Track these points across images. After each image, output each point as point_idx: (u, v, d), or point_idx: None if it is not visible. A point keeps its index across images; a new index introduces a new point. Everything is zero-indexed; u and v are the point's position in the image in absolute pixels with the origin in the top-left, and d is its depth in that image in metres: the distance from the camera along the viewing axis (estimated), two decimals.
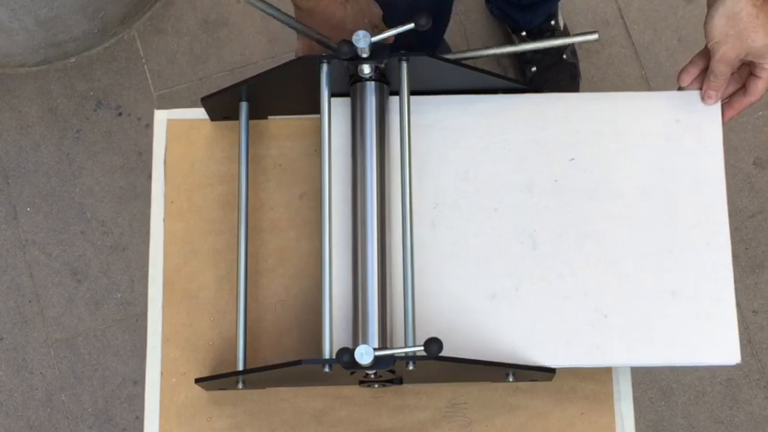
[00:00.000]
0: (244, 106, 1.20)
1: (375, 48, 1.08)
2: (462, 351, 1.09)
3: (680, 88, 1.18)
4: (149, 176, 1.26)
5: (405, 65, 1.12)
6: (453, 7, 1.74)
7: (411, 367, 1.04)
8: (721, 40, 1.10)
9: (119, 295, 2.07)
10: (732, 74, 1.15)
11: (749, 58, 1.13)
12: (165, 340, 1.19)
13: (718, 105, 1.17)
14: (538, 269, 1.13)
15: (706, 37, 1.12)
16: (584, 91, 2.10)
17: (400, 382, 1.15)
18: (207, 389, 1.17)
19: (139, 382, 2.03)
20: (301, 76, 1.14)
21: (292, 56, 1.24)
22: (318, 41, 1.18)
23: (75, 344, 2.06)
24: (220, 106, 1.20)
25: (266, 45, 2.18)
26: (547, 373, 1.12)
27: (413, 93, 1.14)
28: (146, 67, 2.17)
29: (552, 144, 1.16)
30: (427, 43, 1.77)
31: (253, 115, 1.21)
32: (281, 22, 1.17)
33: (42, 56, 2.15)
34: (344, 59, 1.08)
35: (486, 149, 1.17)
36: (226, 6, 2.20)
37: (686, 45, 2.15)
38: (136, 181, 2.12)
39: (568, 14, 2.16)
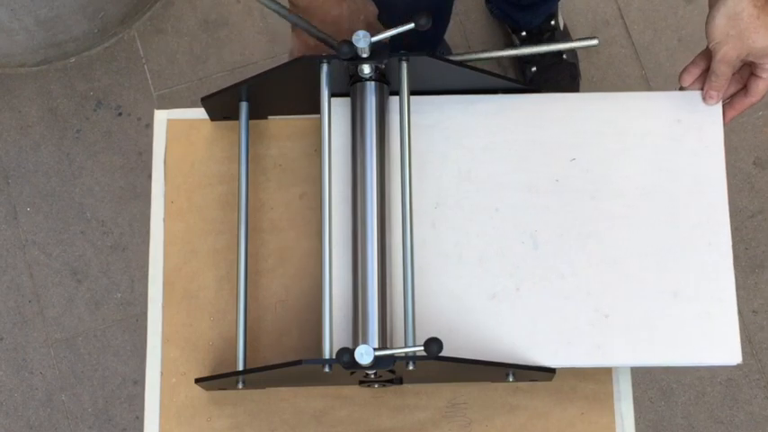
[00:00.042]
0: (244, 106, 1.20)
1: (375, 48, 1.08)
2: (462, 351, 1.09)
3: (681, 88, 1.18)
4: (149, 176, 1.26)
5: (405, 65, 1.11)
6: (453, 7, 1.74)
7: (411, 367, 1.04)
8: (722, 41, 1.10)
9: (119, 295, 2.07)
10: (733, 74, 1.15)
11: (750, 59, 1.13)
12: (165, 340, 1.19)
13: (720, 105, 1.17)
14: (539, 269, 1.13)
15: (707, 37, 1.12)
16: (584, 91, 2.10)
17: (400, 382, 1.15)
18: (207, 389, 1.17)
19: (139, 382, 2.03)
20: (301, 76, 1.14)
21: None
22: (318, 38, 1.17)
23: (75, 344, 2.06)
24: (220, 106, 1.20)
25: (266, 45, 2.17)
26: (547, 373, 1.12)
27: (413, 93, 1.14)
28: (146, 67, 2.17)
29: (553, 144, 1.16)
30: (427, 43, 1.77)
31: (253, 115, 1.21)
32: (284, 17, 1.17)
33: (42, 56, 2.15)
34: (344, 59, 1.08)
35: (487, 149, 1.17)
36: (226, 6, 2.20)
37: (686, 45, 2.15)
38: (136, 181, 2.11)
39: (568, 14, 2.16)
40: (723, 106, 1.18)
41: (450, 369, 1.09)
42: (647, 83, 2.14)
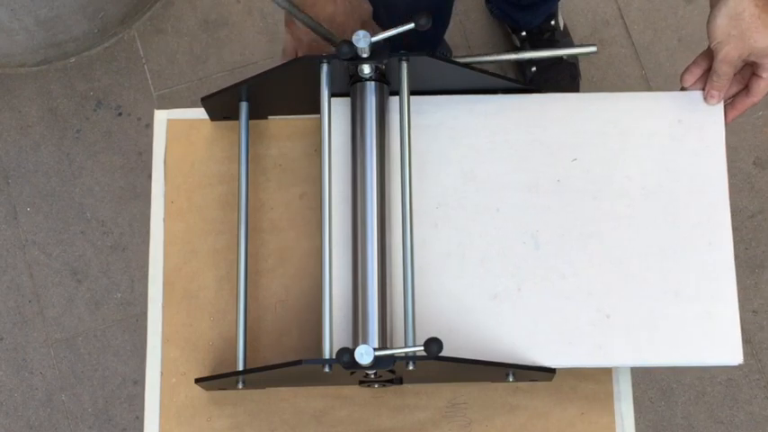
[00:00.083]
0: (244, 106, 1.20)
1: (375, 48, 1.08)
2: (462, 351, 1.09)
3: (683, 88, 1.18)
4: (149, 176, 1.26)
5: (405, 65, 1.11)
6: (453, 7, 1.74)
7: (411, 367, 1.04)
8: (724, 41, 1.10)
9: (119, 295, 2.07)
10: (735, 74, 1.15)
11: (752, 59, 1.12)
12: (165, 340, 1.19)
13: (721, 105, 1.17)
14: (540, 269, 1.13)
15: (709, 37, 1.12)
16: (584, 91, 2.10)
17: (400, 382, 1.15)
18: (207, 389, 1.17)
19: (139, 382, 2.03)
20: (301, 76, 1.14)
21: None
22: (317, 32, 1.17)
23: (75, 344, 2.05)
24: (220, 106, 1.20)
25: (266, 45, 2.17)
26: (547, 373, 1.12)
27: (413, 93, 1.14)
28: (146, 67, 2.17)
29: (555, 144, 1.16)
30: (427, 43, 1.77)
31: (253, 115, 1.21)
32: (287, 10, 1.16)
33: (42, 56, 2.14)
34: (345, 59, 1.08)
35: (488, 149, 1.17)
36: (226, 6, 2.20)
37: (686, 45, 2.15)
38: (136, 181, 2.11)
39: (568, 14, 2.15)
40: (724, 106, 1.18)
41: (450, 369, 1.09)
42: (647, 83, 2.14)
